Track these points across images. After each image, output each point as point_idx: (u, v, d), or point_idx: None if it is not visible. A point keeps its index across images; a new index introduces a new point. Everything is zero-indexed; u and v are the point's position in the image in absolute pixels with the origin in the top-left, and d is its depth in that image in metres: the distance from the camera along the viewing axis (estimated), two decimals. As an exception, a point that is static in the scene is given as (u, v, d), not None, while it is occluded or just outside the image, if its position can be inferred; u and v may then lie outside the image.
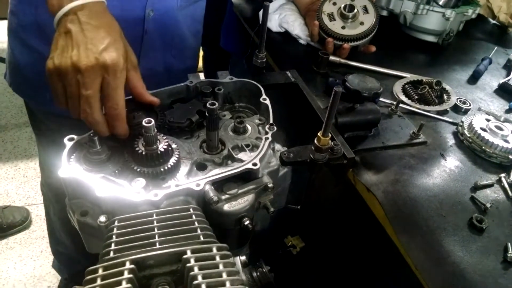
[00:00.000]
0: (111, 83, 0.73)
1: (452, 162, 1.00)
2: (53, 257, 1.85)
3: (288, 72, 1.06)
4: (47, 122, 1.29)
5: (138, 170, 0.74)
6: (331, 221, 1.20)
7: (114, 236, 0.64)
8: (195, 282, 0.57)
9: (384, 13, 1.48)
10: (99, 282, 0.57)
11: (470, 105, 1.19)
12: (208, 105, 0.74)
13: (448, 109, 1.17)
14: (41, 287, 2.03)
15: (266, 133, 0.82)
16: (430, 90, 1.17)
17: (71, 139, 0.76)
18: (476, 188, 0.94)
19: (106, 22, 0.77)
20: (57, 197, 1.48)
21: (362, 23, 1.25)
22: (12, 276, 2.07)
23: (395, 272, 0.97)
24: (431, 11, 1.37)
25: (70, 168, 0.71)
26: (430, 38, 1.46)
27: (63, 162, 0.72)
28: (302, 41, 1.39)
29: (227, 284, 0.57)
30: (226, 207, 0.72)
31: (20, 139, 2.80)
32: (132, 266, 0.59)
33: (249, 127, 0.87)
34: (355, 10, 1.26)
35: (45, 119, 1.29)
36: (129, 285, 0.56)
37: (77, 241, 1.53)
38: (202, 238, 0.64)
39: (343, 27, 1.26)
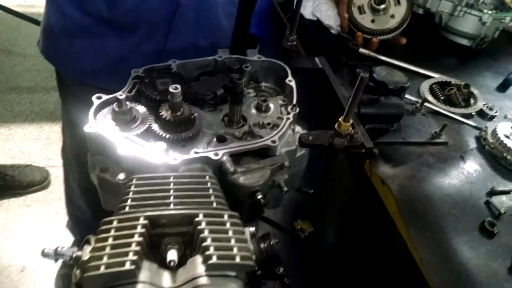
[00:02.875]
0: None
1: (471, 165, 1.00)
2: (68, 219, 1.91)
3: (316, 58, 1.07)
4: (74, 90, 1.32)
5: (160, 134, 0.76)
6: (343, 211, 1.20)
7: (131, 193, 0.67)
8: (204, 244, 0.59)
9: (420, 11, 1.46)
10: (113, 232, 0.60)
11: (496, 112, 1.17)
12: (234, 78, 0.76)
13: (474, 113, 1.15)
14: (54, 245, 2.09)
15: (288, 113, 0.83)
16: (457, 92, 1.16)
17: (99, 97, 0.78)
18: (492, 193, 0.93)
19: None
20: (77, 165, 1.51)
21: (392, 16, 1.24)
22: (26, 233, 2.15)
23: (401, 268, 0.97)
24: (468, 13, 1.35)
25: (96, 124, 0.74)
26: (464, 42, 1.44)
27: (89, 118, 0.75)
28: (333, 31, 1.39)
29: (235, 250, 0.59)
30: (242, 179, 0.74)
31: (47, 102, 2.87)
32: (145, 221, 0.61)
33: (272, 106, 0.88)
34: (385, 3, 1.24)
35: (72, 87, 1.32)
36: (141, 238, 0.58)
37: (93, 207, 1.58)
38: (215, 205, 0.66)
39: (372, 21, 1.25)
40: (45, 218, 2.23)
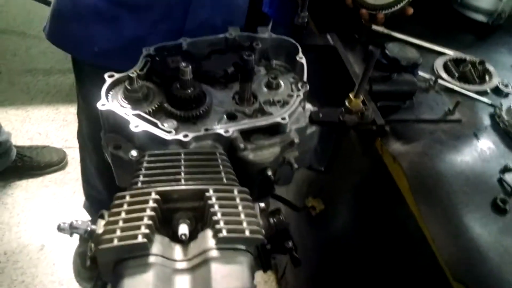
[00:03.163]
0: None
1: (485, 142, 0.99)
2: (85, 199, 1.95)
3: (328, 35, 1.06)
4: (88, 73, 1.31)
5: (171, 111, 0.77)
6: (354, 189, 1.21)
7: (143, 169, 0.68)
8: (214, 218, 0.60)
9: (436, -13, 1.43)
10: (125, 207, 0.61)
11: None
12: (244, 55, 0.76)
13: (488, 90, 1.14)
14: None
15: (298, 90, 0.83)
16: (472, 69, 1.14)
17: (111, 76, 0.79)
18: (505, 170, 0.92)
19: None
20: (94, 147, 1.52)
21: None
22: (45, 212, 2.20)
23: (412, 246, 0.97)
24: (485, -12, 1.32)
25: (108, 102, 0.75)
26: (480, 18, 1.40)
27: (102, 96, 0.76)
28: None
29: (244, 224, 0.60)
30: (251, 156, 0.74)
31: (63, 84, 2.90)
32: (157, 196, 0.62)
33: (282, 84, 0.88)
34: None
35: (86, 70, 1.31)
36: (152, 212, 0.60)
37: (110, 188, 1.60)
38: (225, 180, 0.67)
39: None
40: (63, 198, 2.28)
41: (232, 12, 1.25)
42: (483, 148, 0.97)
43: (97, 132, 0.83)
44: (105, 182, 1.63)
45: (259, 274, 2.08)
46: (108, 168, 0.82)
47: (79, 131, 1.63)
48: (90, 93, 1.32)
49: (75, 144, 1.70)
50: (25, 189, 2.29)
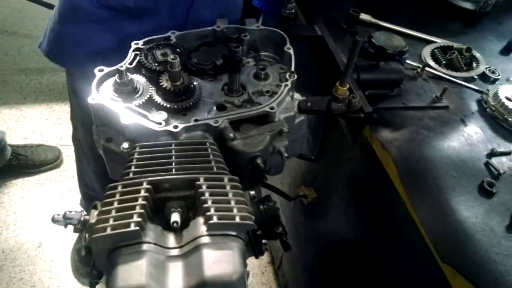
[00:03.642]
0: None
1: (472, 128, 1.00)
2: (81, 197, 1.96)
3: (315, 26, 1.07)
4: (82, 81, 1.29)
5: (161, 104, 0.78)
6: (345, 177, 1.22)
7: (134, 160, 0.69)
8: (205, 205, 0.62)
9: (422, -24, 1.44)
10: (118, 197, 0.62)
11: (499, 75, 1.17)
12: (231, 47, 0.77)
13: (476, 76, 1.15)
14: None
15: (286, 80, 0.85)
16: (459, 56, 1.16)
17: (101, 70, 0.80)
18: (492, 154, 0.94)
19: None
20: (92, 153, 1.50)
21: None
22: (41, 209, 2.21)
23: (402, 231, 0.99)
24: (471, -24, 1.33)
25: (99, 96, 0.76)
26: (467, 5, 1.42)
27: (92, 90, 0.77)
28: None
29: (235, 210, 0.62)
30: (241, 145, 0.76)
31: (56, 82, 2.90)
32: (149, 186, 0.64)
33: (270, 74, 0.89)
34: None
35: (82, 80, 1.30)
36: (144, 202, 0.61)
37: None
38: (215, 169, 0.68)
39: None
40: (58, 195, 2.29)
41: (231, 9, 1.26)
42: (470, 133, 0.99)
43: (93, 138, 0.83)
44: (104, 184, 1.63)
45: (256, 265, 2.10)
46: (106, 171, 0.83)
47: (74, 135, 1.63)
48: (84, 100, 1.32)
49: (70, 142, 1.70)
50: (21, 188, 2.30)
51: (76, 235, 0.65)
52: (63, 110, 2.71)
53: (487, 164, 0.92)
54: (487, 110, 1.05)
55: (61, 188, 2.32)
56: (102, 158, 0.82)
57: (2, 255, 2.02)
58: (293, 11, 1.02)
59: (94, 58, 1.10)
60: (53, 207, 2.23)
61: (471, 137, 0.98)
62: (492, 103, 1.04)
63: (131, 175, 0.67)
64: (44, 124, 2.64)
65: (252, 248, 0.68)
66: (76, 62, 1.21)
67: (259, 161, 0.75)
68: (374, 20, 1.27)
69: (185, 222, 0.64)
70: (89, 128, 0.76)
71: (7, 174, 2.30)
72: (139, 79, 0.81)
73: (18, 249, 2.05)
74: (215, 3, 1.17)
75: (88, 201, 1.93)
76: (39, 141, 2.51)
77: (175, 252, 0.60)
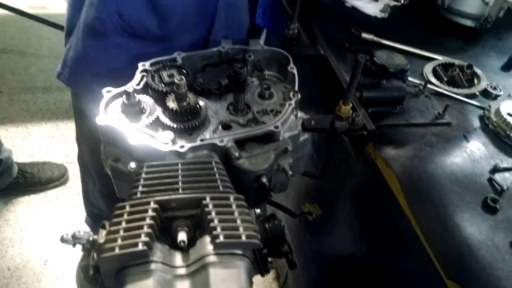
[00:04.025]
0: None
1: (474, 144, 1.01)
2: (86, 215, 1.97)
3: (318, 45, 1.09)
4: (91, 106, 1.30)
5: (168, 124, 0.79)
6: (350, 193, 1.23)
7: (142, 180, 0.70)
8: (212, 224, 0.62)
9: (423, -7, 1.47)
10: (125, 217, 0.63)
11: (500, 91, 1.18)
12: (236, 68, 0.79)
13: (477, 93, 1.17)
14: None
15: (290, 99, 0.86)
16: (460, 73, 1.17)
17: (108, 91, 0.82)
18: (495, 170, 0.95)
19: None
20: (99, 175, 1.53)
21: None
22: (47, 227, 2.22)
23: (406, 246, 1.00)
24: (471, -6, 1.36)
25: (107, 117, 0.78)
26: (467, 22, 1.44)
27: (100, 110, 0.78)
28: None
29: (241, 229, 0.63)
30: (246, 164, 0.77)
31: (62, 101, 2.94)
32: (156, 206, 0.64)
33: (275, 94, 0.91)
34: None
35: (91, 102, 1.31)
36: (152, 221, 0.62)
37: (112, 206, 1.63)
38: (221, 188, 0.69)
39: None
40: (64, 212, 2.30)
41: (240, 28, 1.31)
42: (473, 150, 0.99)
43: (99, 160, 0.85)
44: (109, 204, 1.65)
45: (261, 281, 2.10)
46: (112, 192, 0.85)
47: (80, 156, 1.64)
48: (92, 121, 1.33)
49: (76, 159, 1.72)
50: (27, 205, 2.31)
51: (81, 252, 0.66)
52: (69, 128, 2.74)
53: (490, 180, 0.92)
54: (489, 126, 1.06)
55: (67, 205, 2.33)
56: (108, 179, 0.84)
57: (8, 273, 2.02)
58: (296, 31, 1.04)
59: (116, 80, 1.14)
60: (59, 224, 2.24)
61: (473, 153, 0.99)
62: (494, 119, 1.05)
63: (138, 194, 0.68)
64: (50, 142, 2.67)
65: (258, 266, 0.68)
66: (100, 84, 1.23)
67: (264, 179, 0.76)
68: (375, 39, 1.29)
69: (192, 240, 0.65)
70: (94, 149, 0.77)
71: (13, 192, 2.32)
72: (146, 100, 0.83)
73: (24, 266, 2.06)
74: (229, 24, 1.21)
75: (94, 219, 1.94)
76: (45, 158, 2.53)
77: (182, 271, 0.61)
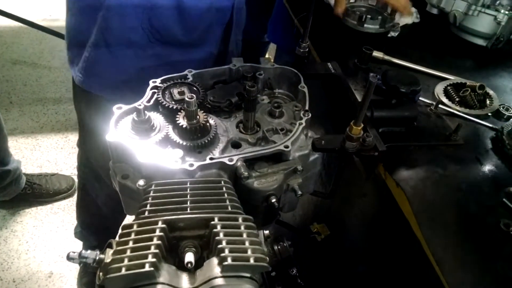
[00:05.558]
0: None
1: (487, 166, 1.00)
2: (77, 224, 1.98)
3: (329, 64, 1.08)
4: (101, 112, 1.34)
5: (177, 141, 0.79)
6: (359, 214, 1.21)
7: (150, 198, 0.70)
8: (220, 246, 0.61)
9: (434, 11, 1.47)
10: (133, 236, 0.63)
11: (513, 112, 1.16)
12: (247, 86, 0.78)
13: (489, 114, 1.15)
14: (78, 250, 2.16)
15: (301, 118, 0.85)
16: (472, 93, 1.16)
17: (119, 108, 0.82)
18: (508, 193, 0.93)
19: None
20: (99, 181, 1.57)
21: None
22: (53, 239, 2.22)
23: (417, 269, 0.98)
24: (483, 13, 1.35)
25: (116, 133, 0.78)
26: (479, 41, 1.43)
27: (110, 127, 0.78)
28: None
29: (249, 251, 0.62)
30: (256, 183, 0.76)
31: (72, 112, 2.94)
32: (164, 225, 0.64)
33: (285, 112, 0.90)
34: None
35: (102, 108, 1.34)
36: (159, 241, 0.61)
37: (113, 215, 1.65)
38: (230, 209, 0.69)
39: None
40: (71, 224, 2.29)
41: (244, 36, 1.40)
42: (485, 172, 0.98)
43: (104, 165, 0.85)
44: (115, 209, 1.66)
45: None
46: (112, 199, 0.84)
47: (83, 163, 1.66)
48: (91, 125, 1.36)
49: (84, 171, 1.72)
50: (34, 217, 2.32)
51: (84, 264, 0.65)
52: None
53: (503, 204, 0.91)
54: (502, 148, 1.04)
55: (74, 217, 2.31)
56: (107, 187, 0.83)
57: (12, 285, 2.01)
58: (307, 49, 1.04)
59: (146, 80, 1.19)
60: (65, 236, 2.23)
61: (486, 175, 0.97)
62: (507, 141, 1.04)
63: (146, 213, 0.67)
64: (59, 154, 2.68)
65: (266, 289, 0.67)
66: (127, 86, 1.27)
67: (273, 199, 0.75)
68: (386, 57, 1.29)
69: (199, 261, 0.64)
70: (104, 148, 0.77)
71: (21, 203, 2.33)
72: (156, 117, 0.83)
73: (28, 278, 2.05)
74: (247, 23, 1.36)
75: (87, 229, 1.93)
76: (54, 170, 2.54)
77: (189, 293, 0.60)
